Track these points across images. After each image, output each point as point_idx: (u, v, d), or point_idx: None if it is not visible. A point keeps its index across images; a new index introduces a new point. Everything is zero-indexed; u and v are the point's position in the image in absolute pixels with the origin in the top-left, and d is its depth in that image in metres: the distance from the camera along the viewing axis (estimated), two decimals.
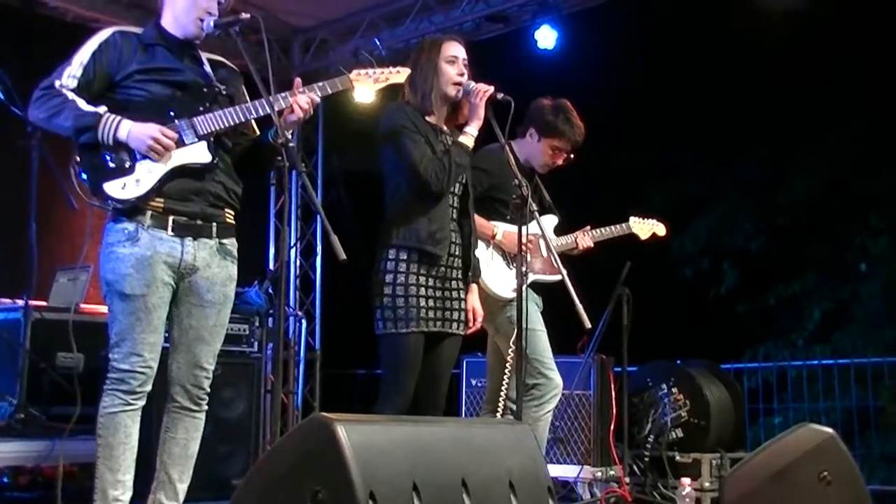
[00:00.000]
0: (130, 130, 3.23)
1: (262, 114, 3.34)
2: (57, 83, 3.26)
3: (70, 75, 3.27)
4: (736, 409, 6.42)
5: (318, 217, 8.61)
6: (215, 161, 3.37)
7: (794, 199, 9.00)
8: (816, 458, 3.12)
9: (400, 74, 3.56)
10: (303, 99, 3.35)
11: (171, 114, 3.32)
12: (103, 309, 5.97)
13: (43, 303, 6.07)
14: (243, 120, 3.36)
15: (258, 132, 3.56)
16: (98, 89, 3.31)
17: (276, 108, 3.30)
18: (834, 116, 7.92)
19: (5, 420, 5.33)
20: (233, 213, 3.50)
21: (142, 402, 3.31)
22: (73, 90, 3.25)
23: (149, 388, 3.31)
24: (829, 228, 8.96)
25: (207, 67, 3.53)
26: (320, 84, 3.46)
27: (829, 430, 3.32)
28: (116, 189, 3.24)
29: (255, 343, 5.78)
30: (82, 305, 6.12)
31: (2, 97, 5.38)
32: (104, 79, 3.31)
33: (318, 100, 3.41)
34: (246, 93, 3.44)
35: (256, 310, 5.95)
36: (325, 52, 8.56)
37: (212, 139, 3.36)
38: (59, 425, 5.26)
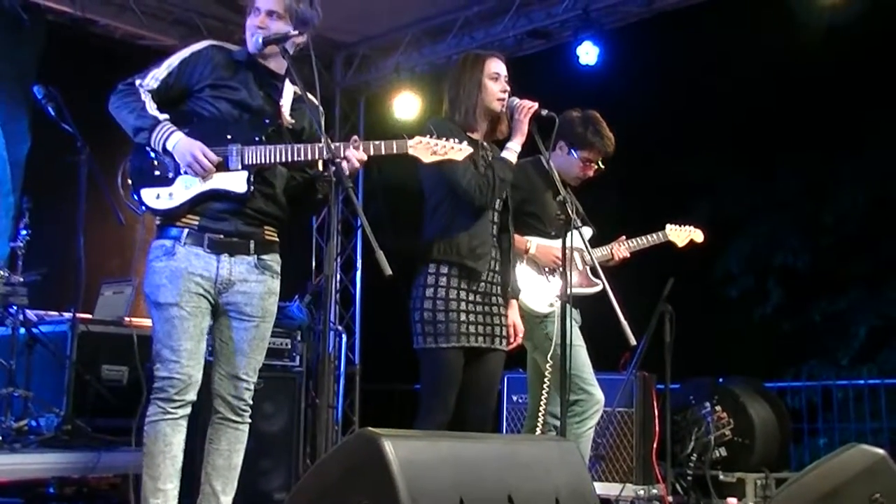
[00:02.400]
0: (178, 142, 3.32)
1: (311, 157, 3.36)
2: (138, 81, 3.41)
3: (154, 77, 3.42)
4: (781, 427, 6.34)
5: (359, 232, 8.70)
6: (249, 193, 3.41)
7: (838, 214, 8.88)
8: (868, 480, 3.07)
9: (461, 152, 3.43)
10: (358, 155, 3.34)
11: (229, 136, 3.40)
12: (147, 322, 6.10)
13: (89, 315, 6.16)
14: (293, 160, 3.39)
15: (321, 167, 3.56)
16: (175, 95, 3.44)
17: (327, 156, 3.28)
18: (877, 130, 7.82)
19: (52, 431, 5.39)
20: (274, 230, 3.54)
21: (183, 412, 3.36)
22: (150, 91, 3.39)
23: (189, 396, 3.36)
24: (874, 244, 8.82)
25: (286, 99, 3.55)
26: (376, 143, 3.41)
27: (881, 451, 3.26)
28: (151, 197, 3.38)
29: (297, 357, 5.80)
30: (127, 318, 6.20)
31: (52, 114, 5.48)
32: (183, 87, 3.44)
33: (365, 159, 3.37)
34: (322, 127, 3.35)
35: (298, 324, 5.98)
36: (367, 67, 8.62)
37: (254, 171, 3.41)
38: (105, 437, 5.34)
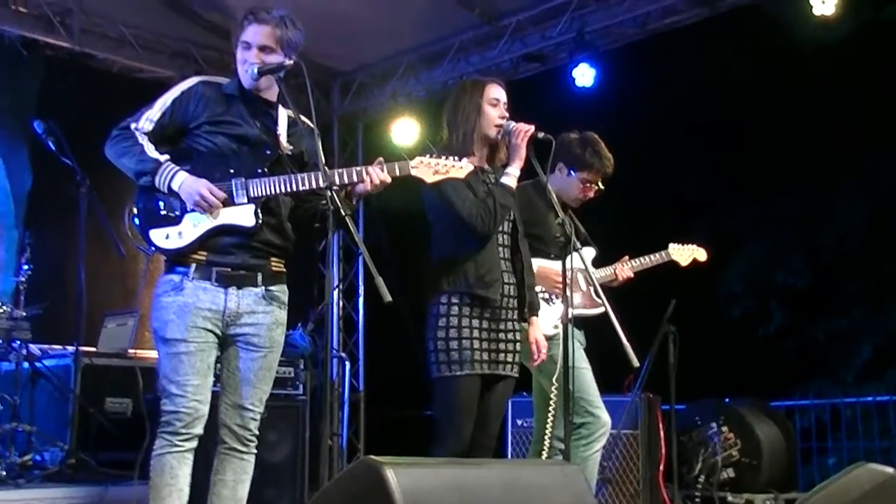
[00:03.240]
0: (183, 182, 3.34)
1: (314, 186, 3.34)
2: (133, 125, 3.41)
3: (148, 118, 3.43)
4: (788, 447, 6.30)
5: (360, 258, 8.69)
6: (258, 226, 3.42)
7: (838, 232, 8.88)
8: (877, 499, 3.04)
9: (462, 170, 3.47)
10: (379, 175, 3.36)
11: (231, 170, 3.41)
12: (151, 354, 6.09)
13: (92, 348, 6.16)
14: (296, 189, 3.39)
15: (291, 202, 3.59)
16: (171, 134, 3.45)
17: (339, 182, 3.31)
18: (876, 147, 7.84)
19: (56, 466, 5.38)
20: (281, 261, 3.54)
21: (189, 445, 3.35)
22: (146, 133, 3.40)
23: (196, 430, 3.35)
24: (876, 262, 8.81)
25: (281, 125, 3.57)
26: (389, 164, 3.44)
27: (890, 469, 3.24)
28: (160, 238, 3.39)
29: (300, 386, 5.78)
30: (130, 351, 6.20)
31: (52, 147, 5.51)
32: (178, 126, 3.45)
33: (388, 180, 3.40)
34: (320, 151, 3.34)
35: (301, 352, 5.97)
36: (364, 94, 8.66)
37: (260, 203, 3.42)
38: (109, 471, 5.32)
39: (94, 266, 5.88)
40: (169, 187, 3.34)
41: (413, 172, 3.43)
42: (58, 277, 6.20)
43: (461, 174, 3.47)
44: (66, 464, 5.36)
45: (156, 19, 7.55)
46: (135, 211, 3.40)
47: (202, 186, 3.33)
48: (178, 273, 3.38)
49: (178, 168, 3.36)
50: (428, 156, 3.43)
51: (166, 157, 3.38)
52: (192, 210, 3.36)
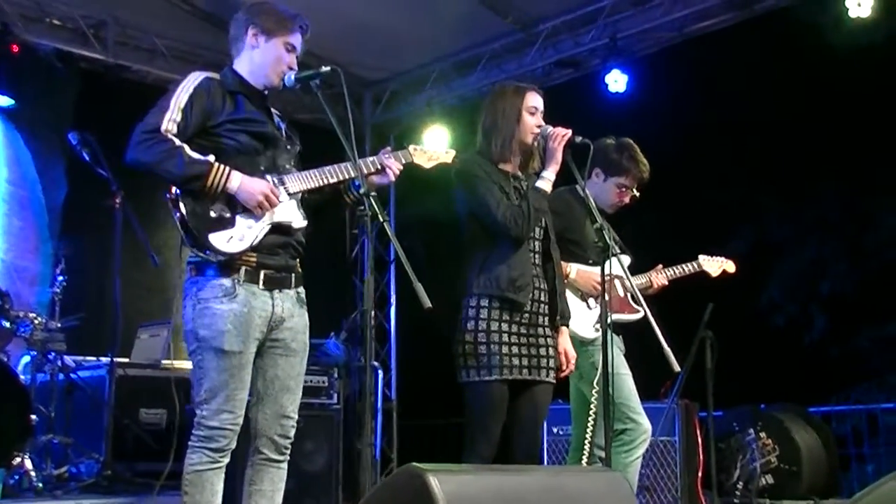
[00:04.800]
0: (242, 182, 3.24)
1: (346, 176, 3.40)
2: (162, 128, 3.21)
3: (171, 119, 3.23)
4: (828, 454, 6.21)
5: (393, 267, 8.70)
6: (306, 224, 3.41)
7: (882, 238, 8.75)
8: None
9: (447, 156, 3.71)
10: (396, 165, 3.49)
11: (262, 168, 3.36)
12: (184, 364, 6.10)
13: (126, 359, 6.19)
14: (329, 182, 3.40)
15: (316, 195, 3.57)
16: (191, 134, 3.29)
17: (366, 171, 3.41)
18: None
19: (92, 477, 5.40)
20: (300, 262, 3.51)
21: (227, 460, 3.28)
22: (175, 135, 3.22)
23: (234, 445, 3.28)
24: None
25: (278, 120, 3.58)
26: (396, 153, 3.58)
27: None
28: (222, 241, 3.22)
29: (335, 395, 5.77)
30: (164, 361, 6.22)
31: (87, 158, 5.55)
32: (199, 124, 3.30)
33: (402, 168, 3.57)
34: (354, 146, 3.37)
35: (335, 361, 5.97)
36: (396, 103, 8.67)
37: (299, 197, 3.40)
38: (145, 481, 5.33)
39: (129, 277, 5.91)
40: (223, 189, 3.21)
41: (415, 160, 3.61)
42: (93, 288, 6.25)
43: (448, 159, 3.69)
44: (101, 475, 5.38)
45: (188, 31, 7.62)
46: (183, 216, 3.20)
47: (264, 186, 3.26)
48: (229, 277, 3.24)
49: (229, 168, 3.23)
50: (419, 146, 3.66)
51: (212, 156, 3.23)
52: (243, 211, 3.26)
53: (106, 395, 5.67)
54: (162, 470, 5.27)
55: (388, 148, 3.57)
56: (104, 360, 5.83)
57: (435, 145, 3.82)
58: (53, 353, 5.61)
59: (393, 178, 3.50)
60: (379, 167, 3.48)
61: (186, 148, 3.20)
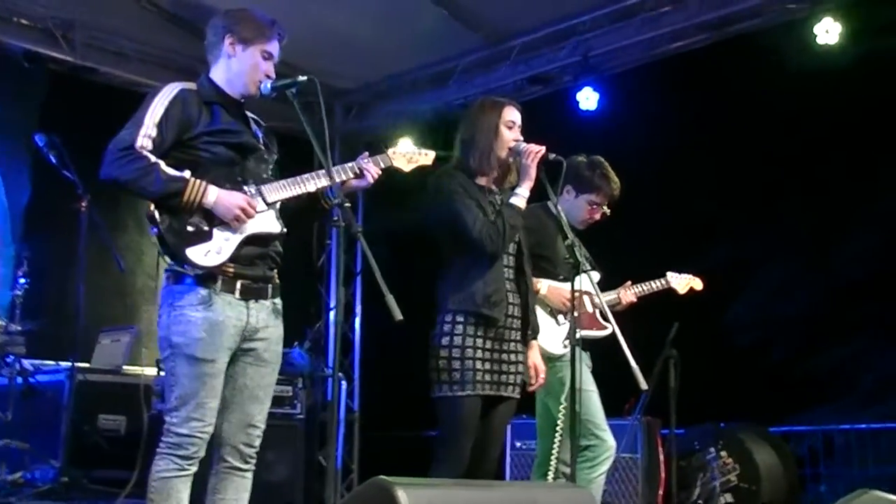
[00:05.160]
0: (218, 197, 3.23)
1: (324, 185, 3.39)
2: (136, 144, 3.19)
3: (145, 135, 3.21)
4: (787, 473, 6.27)
5: (359, 278, 8.68)
6: (283, 231, 3.40)
7: (846, 261, 8.88)
8: None
9: (427, 157, 3.70)
10: (374, 169, 3.50)
11: (239, 178, 3.35)
12: (147, 371, 6.04)
13: (86, 364, 6.11)
14: (307, 191, 3.39)
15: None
16: (167, 147, 3.28)
17: (339, 179, 3.40)
18: (886, 174, 7.84)
19: (48, 484, 5.32)
20: (278, 272, 3.50)
21: (195, 468, 3.25)
22: (150, 151, 3.21)
23: (203, 453, 3.26)
24: (883, 291, 8.81)
25: (255, 128, 3.55)
26: (374, 158, 3.57)
27: (893, 497, 3.22)
28: (199, 255, 3.22)
29: (298, 405, 5.74)
30: (124, 367, 6.15)
31: (54, 161, 5.49)
32: (175, 138, 3.29)
33: (380, 173, 3.56)
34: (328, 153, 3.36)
35: (300, 371, 5.93)
36: (366, 113, 8.66)
37: (277, 207, 3.39)
38: (101, 488, 5.26)
39: (92, 281, 5.83)
40: (199, 204, 3.21)
41: (394, 163, 3.61)
42: (55, 292, 6.16)
43: (428, 160, 3.68)
44: (57, 482, 5.30)
45: (158, 34, 7.56)
46: (160, 232, 3.21)
47: (240, 199, 3.25)
48: (206, 286, 3.23)
49: (206, 183, 3.22)
50: (400, 148, 3.66)
51: (188, 171, 3.23)
52: (221, 224, 3.25)
53: (65, 401, 5.59)
54: (119, 477, 5.22)
55: (367, 153, 3.57)
56: (64, 364, 5.76)
57: (413, 147, 3.76)
58: (12, 357, 5.53)
59: (371, 181, 3.50)
60: (358, 171, 3.48)
61: (162, 164, 3.20)
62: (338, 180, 3.38)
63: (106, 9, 7.23)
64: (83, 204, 5.51)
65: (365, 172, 3.48)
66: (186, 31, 7.48)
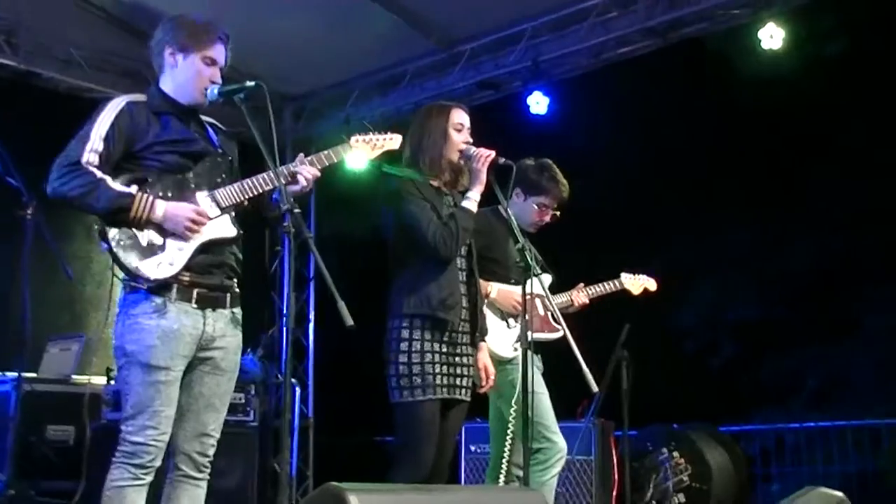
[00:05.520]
0: (166, 211, 3.20)
1: (270, 187, 3.36)
2: (83, 160, 3.17)
3: (91, 150, 3.20)
4: (738, 472, 6.37)
5: (312, 284, 8.65)
6: (239, 234, 3.38)
7: (789, 266, 9.04)
8: None
9: (394, 141, 3.65)
10: (308, 171, 3.41)
11: (192, 186, 3.32)
12: (95, 380, 5.95)
13: (33, 374, 6.00)
14: (261, 191, 3.37)
15: (247, 204, 3.50)
16: (116, 160, 3.26)
17: (283, 179, 3.33)
18: (823, 183, 8.02)
19: None
20: (238, 281, 3.47)
21: (150, 478, 3.22)
22: (97, 166, 3.18)
23: (159, 462, 3.23)
24: (824, 296, 8.98)
25: (212, 133, 3.53)
26: (325, 153, 3.51)
27: (840, 493, 3.28)
28: (151, 268, 3.20)
29: (252, 412, 5.70)
30: (73, 376, 6.05)
31: None
32: (122, 151, 3.27)
33: (318, 174, 3.47)
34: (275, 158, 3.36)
35: (252, 378, 5.89)
36: (316, 119, 8.62)
37: (232, 211, 3.36)
38: (50, 501, 5.17)
39: (40, 289, 5.73)
40: (147, 219, 3.19)
41: (354, 150, 3.56)
42: (2, 301, 6.03)
43: (395, 145, 3.65)
44: (4, 495, 5.19)
45: (104, 39, 7.47)
46: (110, 247, 3.18)
47: (189, 212, 3.23)
48: (160, 295, 3.21)
49: (153, 198, 3.20)
50: (361, 134, 3.61)
51: (135, 187, 3.21)
52: (174, 234, 3.23)
53: (11, 411, 5.48)
54: (68, 488, 5.14)
55: (302, 154, 3.50)
56: (10, 374, 5.64)
57: (375, 133, 3.67)
58: None
59: (305, 184, 3.40)
60: (289, 177, 3.40)
61: (108, 180, 3.17)
62: (280, 183, 3.28)
63: (51, 13, 7.14)
64: (29, 211, 5.40)
65: (298, 177, 3.39)
66: (132, 34, 7.40)
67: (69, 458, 5.49)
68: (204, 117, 3.54)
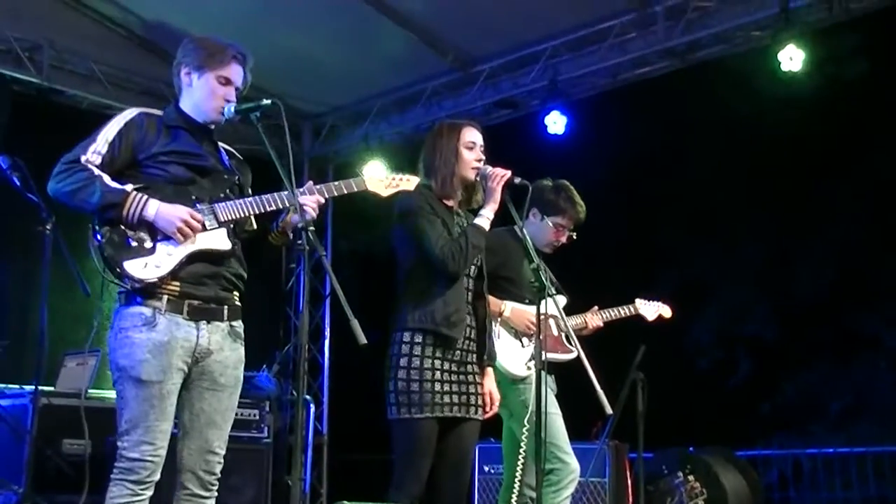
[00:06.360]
0: (159, 210, 3.20)
1: (280, 206, 3.34)
2: (82, 158, 3.20)
3: (95, 151, 3.22)
4: (754, 497, 6.29)
5: (328, 301, 8.65)
6: (234, 248, 3.36)
7: (805, 285, 8.99)
8: None
9: (409, 183, 3.59)
10: (312, 201, 3.32)
11: (194, 197, 3.32)
12: (111, 394, 5.96)
13: (51, 388, 6.02)
14: (265, 210, 3.35)
15: (255, 226, 3.53)
16: (120, 167, 3.27)
17: (290, 204, 3.30)
18: (843, 202, 7.98)
19: None
20: (239, 295, 3.46)
21: (150, 493, 3.20)
22: (97, 166, 3.20)
23: (157, 477, 3.20)
24: (842, 316, 8.92)
25: (224, 155, 3.55)
26: (336, 184, 3.47)
27: None
28: (137, 268, 3.17)
29: (265, 429, 5.70)
30: (91, 391, 6.06)
31: (18, 184, 5.41)
32: (127, 157, 3.28)
33: (322, 202, 3.40)
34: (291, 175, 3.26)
35: (267, 395, 5.89)
36: (334, 137, 8.67)
37: (231, 226, 3.36)
38: None
39: (55, 305, 5.76)
40: (140, 217, 3.18)
41: (369, 187, 3.48)
42: (17, 316, 6.08)
43: (410, 186, 3.56)
44: None
45: (125, 57, 7.56)
46: (99, 244, 3.17)
47: (183, 212, 3.21)
48: (150, 307, 3.19)
49: (147, 196, 3.20)
50: (378, 172, 3.50)
51: (130, 185, 3.21)
52: (165, 239, 3.21)
53: (28, 425, 5.50)
54: (84, 502, 5.13)
55: (311, 182, 3.44)
56: (27, 388, 5.67)
57: (390, 172, 3.62)
58: None
59: (307, 215, 3.23)
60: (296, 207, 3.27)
61: (105, 177, 3.18)
62: (297, 201, 3.24)
63: (73, 31, 7.23)
64: (47, 227, 5.44)
65: (303, 207, 3.24)
66: (154, 54, 7.49)
67: (85, 472, 5.49)
68: (222, 144, 3.56)
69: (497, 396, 3.91)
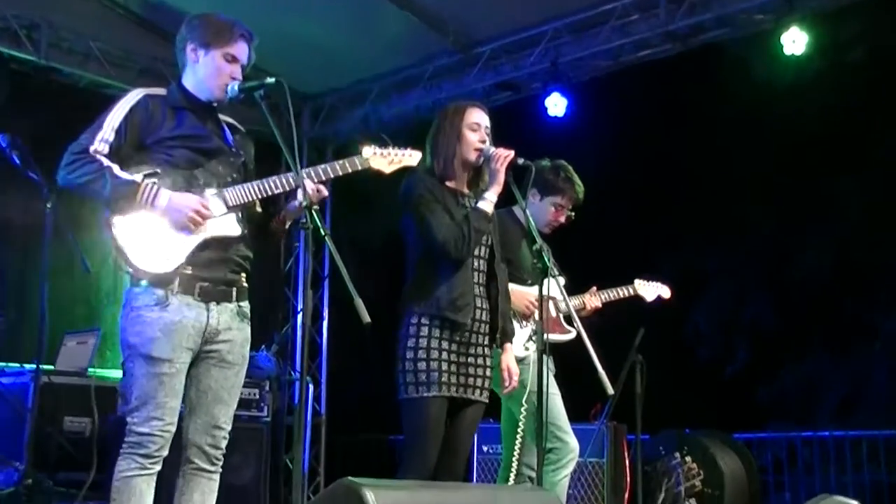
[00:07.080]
0: (170, 201, 3.23)
1: (286, 188, 3.35)
2: (91, 148, 3.22)
3: (102, 139, 3.24)
4: (750, 479, 6.33)
5: (326, 282, 8.67)
6: (244, 234, 3.39)
7: (804, 273, 9.01)
8: None
9: (412, 158, 3.55)
10: (310, 186, 3.30)
11: (201, 182, 3.34)
12: (112, 373, 5.99)
13: (51, 367, 6.04)
14: (272, 193, 3.37)
15: (260, 209, 3.54)
16: (127, 153, 3.29)
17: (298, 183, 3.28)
18: (842, 189, 7.99)
19: (11, 487, 5.24)
20: (246, 276, 3.49)
21: (158, 467, 3.26)
22: (105, 155, 3.23)
23: (166, 452, 3.27)
24: (840, 304, 8.95)
25: (228, 132, 3.55)
26: (339, 163, 3.45)
27: (855, 502, 3.27)
28: (150, 261, 3.23)
29: (265, 408, 5.73)
30: (90, 369, 6.09)
31: (17, 162, 5.41)
32: (134, 143, 3.30)
33: (322, 188, 3.39)
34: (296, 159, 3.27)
35: (267, 374, 5.91)
36: (334, 118, 8.65)
37: (239, 211, 3.38)
38: (67, 490, 5.20)
39: (58, 283, 5.77)
40: (151, 207, 3.21)
41: (371, 164, 3.45)
42: (20, 294, 6.08)
43: (413, 161, 3.54)
44: (21, 485, 5.22)
45: (124, 35, 7.52)
46: (115, 235, 3.21)
47: (194, 202, 3.24)
48: (162, 287, 3.24)
49: (158, 186, 3.23)
50: (379, 146, 3.49)
51: (140, 175, 3.24)
52: (174, 228, 3.24)
53: (29, 403, 5.52)
54: (84, 480, 5.17)
55: (308, 169, 3.43)
56: (28, 367, 5.68)
57: (394, 148, 3.53)
58: None
59: (307, 199, 3.20)
60: (324, 176, 3.38)
61: (115, 168, 3.21)
62: (307, 181, 3.27)
63: (71, 10, 7.19)
64: (48, 205, 5.44)
65: (298, 191, 3.26)
66: (153, 32, 7.46)
67: (86, 450, 5.53)
68: (223, 117, 3.56)
69: (516, 371, 3.95)
